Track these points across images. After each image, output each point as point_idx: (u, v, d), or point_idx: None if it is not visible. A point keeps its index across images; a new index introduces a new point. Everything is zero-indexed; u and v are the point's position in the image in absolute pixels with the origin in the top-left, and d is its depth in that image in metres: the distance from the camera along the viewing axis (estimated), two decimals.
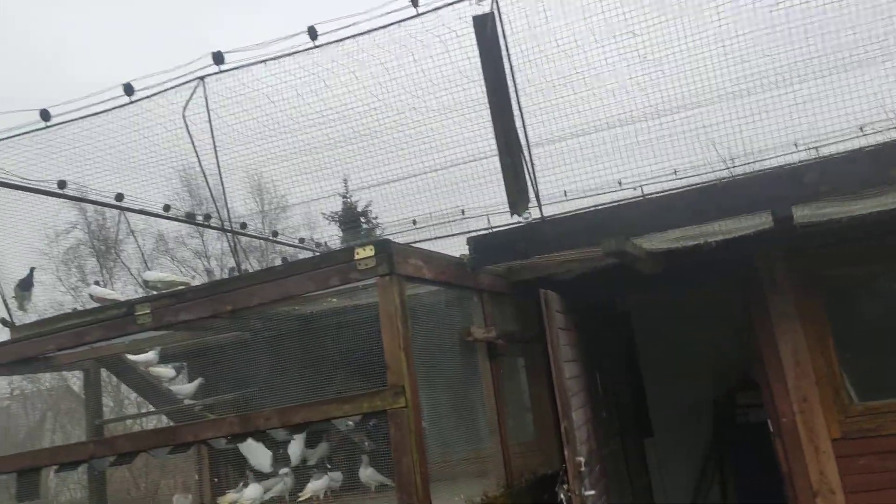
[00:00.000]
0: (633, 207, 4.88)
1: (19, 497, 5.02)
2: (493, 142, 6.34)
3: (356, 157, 7.48)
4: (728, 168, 6.70)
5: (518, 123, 5.22)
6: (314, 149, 7.31)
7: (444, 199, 8.11)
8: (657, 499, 8.74)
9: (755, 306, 5.71)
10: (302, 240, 10.13)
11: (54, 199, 7.15)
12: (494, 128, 5.21)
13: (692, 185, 5.38)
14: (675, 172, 6.92)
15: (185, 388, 6.40)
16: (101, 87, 6.46)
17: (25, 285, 6.09)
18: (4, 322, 6.16)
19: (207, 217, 8.81)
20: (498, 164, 6.72)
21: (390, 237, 5.77)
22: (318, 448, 6.28)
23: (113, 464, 4.82)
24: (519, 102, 5.19)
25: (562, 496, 5.30)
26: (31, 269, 6.24)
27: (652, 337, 8.64)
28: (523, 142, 5.26)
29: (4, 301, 6.13)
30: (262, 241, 12.38)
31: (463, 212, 8.60)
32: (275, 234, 10.13)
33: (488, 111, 6.09)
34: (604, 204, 5.48)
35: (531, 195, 5.35)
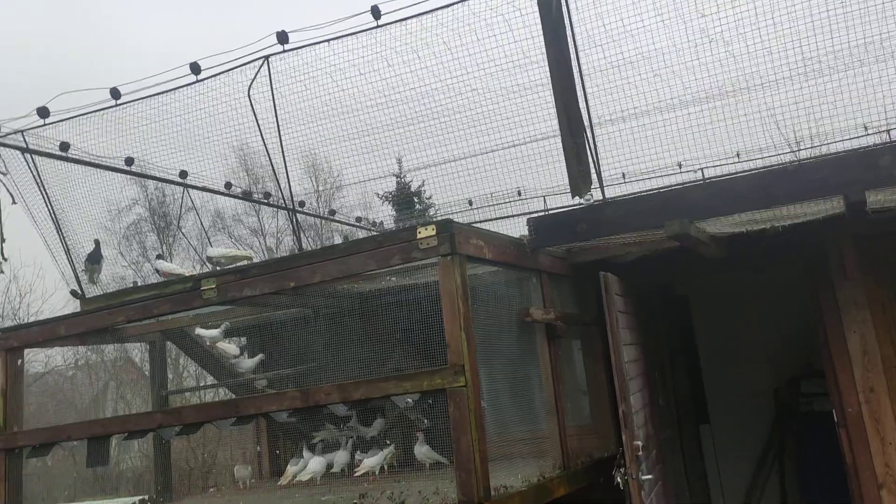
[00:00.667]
0: (697, 190, 4.77)
1: (89, 463, 5.21)
2: (552, 124, 6.27)
3: (413, 137, 7.47)
4: (793, 151, 6.51)
5: (581, 104, 5.14)
6: (373, 129, 7.34)
7: (500, 180, 8.05)
8: (712, 486, 8.64)
9: (823, 293, 5.56)
10: (359, 218, 10.21)
11: (118, 176, 7.34)
12: (557, 108, 5.14)
13: (757, 168, 5.23)
14: (737, 155, 6.76)
15: (246, 362, 6.53)
16: (164, 56, 6.56)
17: (94, 259, 6.27)
18: (75, 294, 6.37)
19: (267, 195, 8.95)
20: (556, 146, 6.65)
21: (446, 217, 5.77)
22: (373, 425, 6.36)
23: (179, 433, 4.97)
24: (583, 82, 5.11)
25: (618, 479, 5.28)
26: (97, 242, 6.41)
27: (711, 322, 8.50)
28: (586, 123, 5.18)
29: (75, 273, 6.32)
30: (318, 219, 12.53)
31: (519, 193, 8.53)
32: (332, 212, 10.23)
33: (548, 93, 6.02)
34: (667, 186, 5.37)
35: (592, 177, 5.28)
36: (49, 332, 5.46)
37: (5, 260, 4.97)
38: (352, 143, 7.55)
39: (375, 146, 7.63)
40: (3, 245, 4.96)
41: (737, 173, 5.84)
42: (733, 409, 8.45)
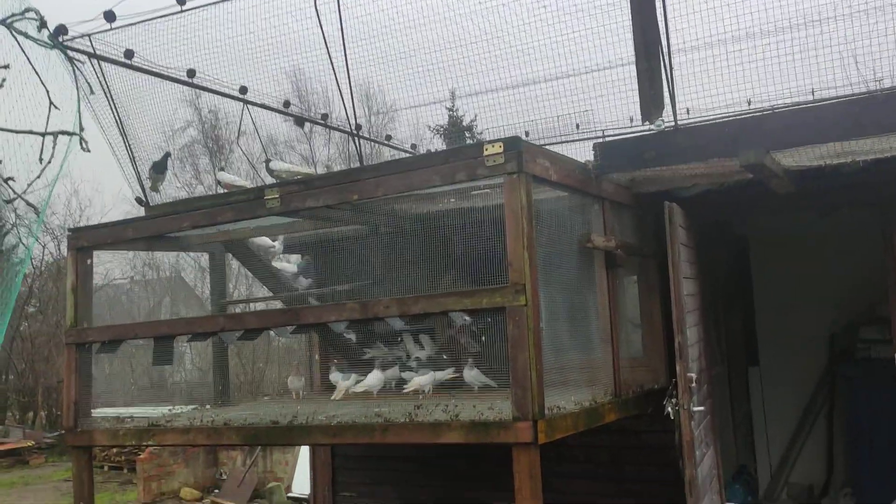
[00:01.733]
0: (775, 118, 4.60)
1: (155, 361, 5.40)
2: (620, 51, 6.07)
3: (469, 62, 7.31)
4: (871, 93, 6.23)
5: (661, 27, 4.96)
6: (428, 49, 7.18)
7: (558, 110, 7.88)
8: (757, 428, 8.62)
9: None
10: (414, 146, 10.15)
11: (172, 96, 7.35)
12: (633, 27, 4.97)
13: (842, 96, 5.00)
14: (812, 93, 6.49)
15: (301, 280, 6.63)
16: None
17: (160, 168, 6.34)
18: (140, 201, 6.48)
19: (325, 116, 8.91)
20: (620, 77, 6.46)
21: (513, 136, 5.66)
22: (424, 346, 6.43)
23: (240, 338, 5.09)
24: (664, 2, 4.91)
25: (669, 409, 5.29)
26: (167, 154, 6.47)
27: (769, 264, 8.34)
28: (663, 45, 5.00)
29: (140, 181, 6.42)
30: (373, 146, 12.47)
31: (578, 126, 8.36)
32: (388, 137, 10.18)
33: (619, 14, 5.81)
34: (743, 112, 5.18)
35: (665, 103, 5.13)
36: (117, 234, 5.59)
37: (87, 148, 5.06)
38: (406, 65, 7.41)
39: (430, 68, 7.48)
40: (83, 133, 5.04)
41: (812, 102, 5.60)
42: (785, 352, 8.35)
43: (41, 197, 5.11)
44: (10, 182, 4.42)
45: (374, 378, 5.79)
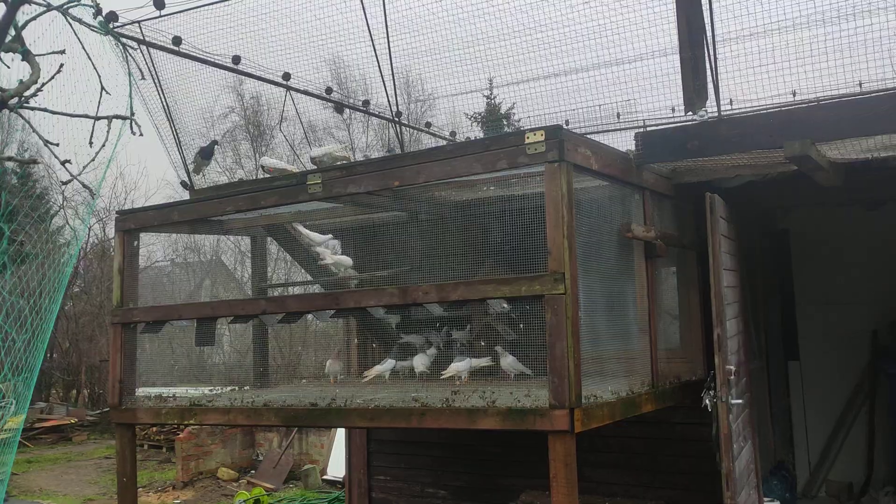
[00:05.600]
0: (822, 110, 4.52)
1: (198, 342, 5.52)
2: (662, 41, 6.00)
3: (510, 52, 7.30)
4: None
5: (705, 16, 4.90)
6: (470, 42, 7.19)
7: (598, 99, 7.82)
8: (796, 423, 8.53)
9: None
10: (453, 133, 10.17)
11: (216, 82, 7.46)
12: (678, 17, 4.92)
13: (889, 88, 4.90)
14: (859, 85, 6.36)
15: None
16: None
17: (206, 154, 6.45)
18: (185, 185, 6.61)
19: (366, 103, 8.98)
20: (661, 67, 6.38)
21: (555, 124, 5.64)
22: (463, 332, 6.47)
23: (280, 321, 5.17)
24: None
25: (706, 401, 5.27)
26: (214, 142, 6.57)
27: (811, 258, 8.22)
28: (708, 34, 4.94)
29: (185, 165, 6.55)
30: (412, 133, 12.49)
31: (618, 115, 8.29)
32: (428, 125, 10.22)
33: (660, 4, 5.74)
34: (788, 104, 5.11)
35: (709, 93, 5.07)
36: (164, 217, 5.72)
37: (139, 132, 5.18)
38: (446, 56, 7.42)
39: (469, 59, 7.48)
40: (134, 117, 5.17)
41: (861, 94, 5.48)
42: (825, 347, 8.24)
43: (93, 179, 5.26)
44: (67, 164, 4.56)
45: (419, 362, 5.84)
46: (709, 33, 4.89)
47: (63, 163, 4.61)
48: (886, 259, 7.57)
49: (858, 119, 4.23)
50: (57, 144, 4.53)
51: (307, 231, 6.27)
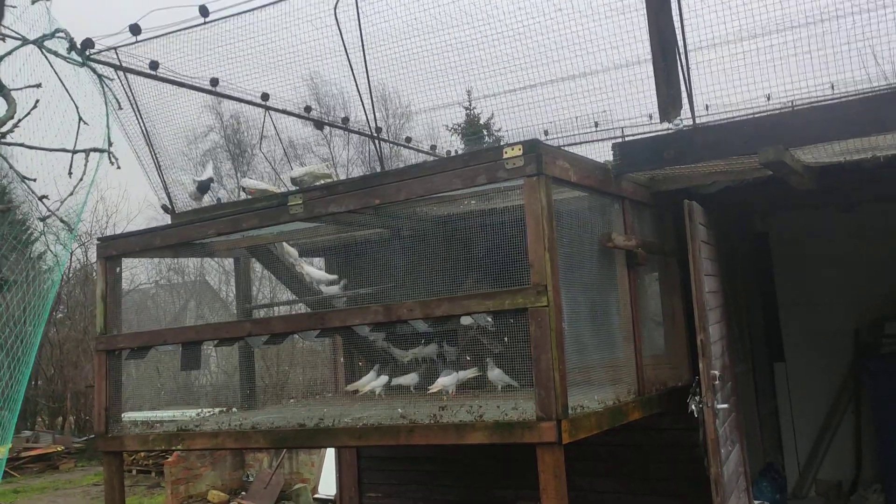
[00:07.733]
0: (794, 116, 4.61)
1: (183, 366, 5.50)
2: (636, 50, 6.07)
3: (486, 63, 7.35)
4: (891, 85, 6.18)
5: (676, 25, 4.98)
6: (444, 50, 7.22)
7: (576, 109, 7.89)
8: (783, 424, 8.59)
9: None
10: (433, 147, 10.21)
11: (195, 103, 7.47)
12: (649, 25, 4.98)
13: (860, 91, 4.98)
14: (832, 87, 6.46)
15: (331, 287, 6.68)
16: None
17: (203, 188, 6.42)
18: (166, 209, 6.59)
19: (345, 120, 9.01)
20: (637, 75, 6.45)
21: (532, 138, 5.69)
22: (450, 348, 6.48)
23: (266, 343, 5.17)
24: (679, 1, 4.93)
25: (693, 407, 5.30)
26: (210, 179, 6.55)
27: (791, 260, 8.31)
28: (680, 45, 5.02)
29: (166, 189, 6.54)
30: (390, 149, 12.52)
31: (597, 124, 8.36)
32: (408, 139, 10.25)
33: (635, 15, 5.82)
34: (761, 111, 5.19)
35: (683, 102, 5.14)
36: (146, 242, 5.70)
37: (116, 164, 5.18)
38: (422, 68, 7.46)
39: (446, 70, 7.52)
40: (112, 149, 5.17)
41: (832, 98, 5.57)
42: (809, 348, 8.32)
43: (72, 204, 5.24)
44: (45, 200, 4.54)
45: (408, 378, 5.85)
46: (680, 43, 4.97)
47: (41, 198, 4.60)
48: (864, 259, 7.67)
49: (829, 123, 4.30)
50: (34, 180, 4.52)
51: (311, 269, 6.32)
